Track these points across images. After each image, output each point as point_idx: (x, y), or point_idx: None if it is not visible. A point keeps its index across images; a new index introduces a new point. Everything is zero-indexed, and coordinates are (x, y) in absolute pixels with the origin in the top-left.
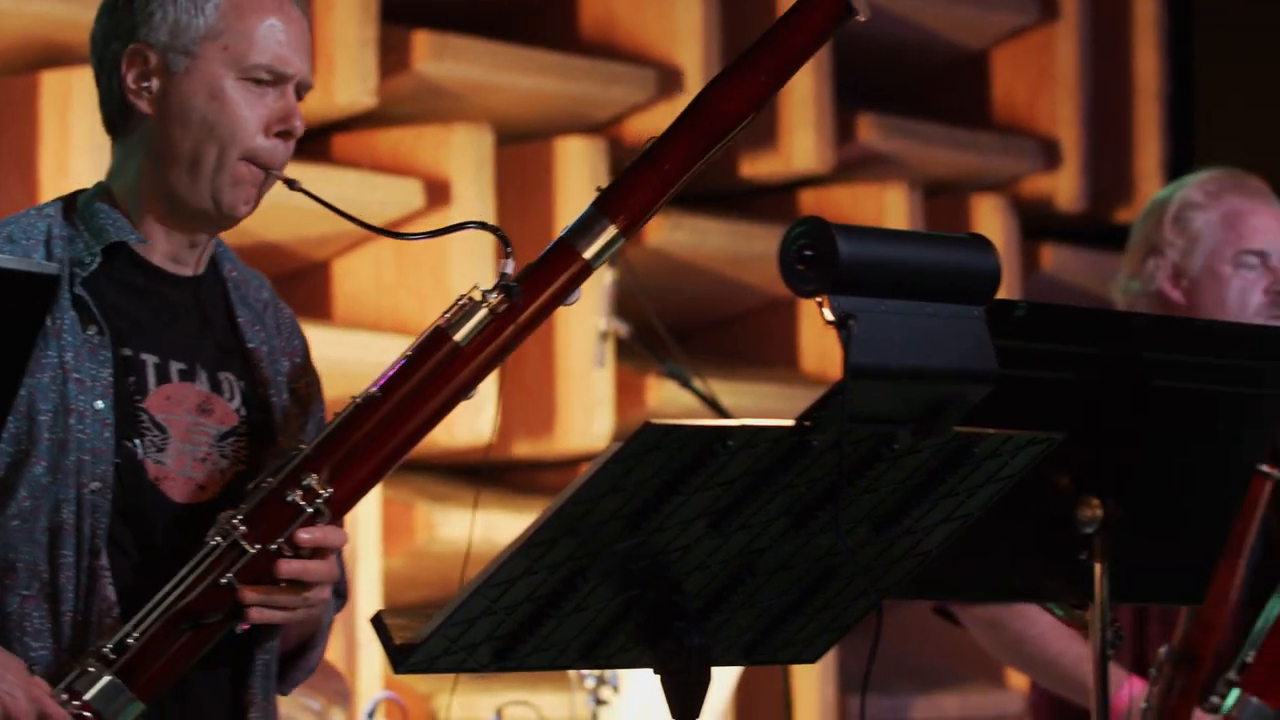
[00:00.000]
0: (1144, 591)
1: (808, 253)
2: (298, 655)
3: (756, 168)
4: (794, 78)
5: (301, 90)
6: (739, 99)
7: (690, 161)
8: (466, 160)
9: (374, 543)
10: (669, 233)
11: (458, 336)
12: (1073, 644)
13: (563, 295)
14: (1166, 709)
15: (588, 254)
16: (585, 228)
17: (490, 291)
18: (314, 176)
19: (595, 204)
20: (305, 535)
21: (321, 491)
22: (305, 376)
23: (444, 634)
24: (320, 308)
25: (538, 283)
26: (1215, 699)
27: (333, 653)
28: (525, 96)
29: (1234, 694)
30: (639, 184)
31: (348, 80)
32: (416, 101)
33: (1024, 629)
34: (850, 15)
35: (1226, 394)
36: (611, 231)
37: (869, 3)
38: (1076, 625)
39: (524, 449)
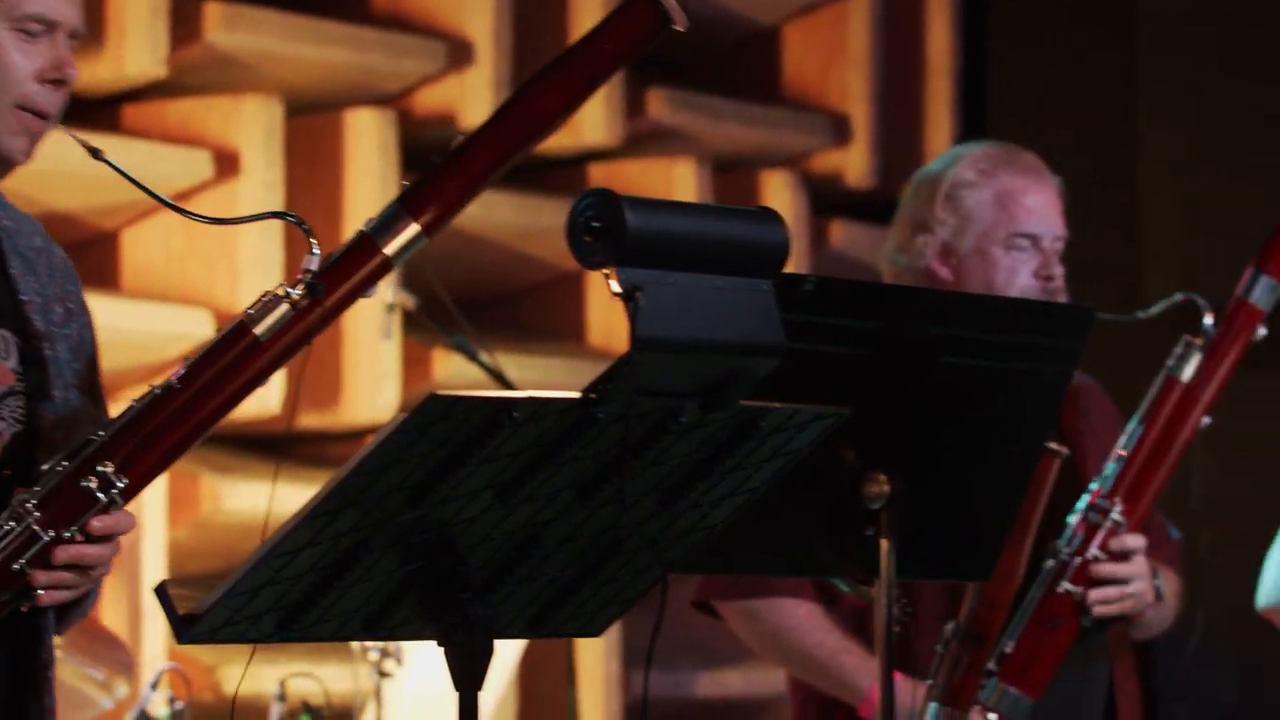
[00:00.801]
0: (931, 568)
1: (595, 224)
2: (73, 605)
3: (546, 141)
4: None
5: (73, 38)
6: (552, 103)
7: (498, 163)
8: (256, 131)
9: (160, 514)
10: None
11: (258, 330)
12: (830, 636)
13: (362, 289)
14: (952, 685)
15: (389, 250)
16: (388, 224)
17: (294, 287)
18: (103, 146)
19: (400, 201)
20: (98, 523)
21: (117, 482)
22: (77, 320)
23: (227, 604)
24: (108, 278)
25: (338, 278)
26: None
27: (117, 623)
28: (315, 67)
29: (992, 683)
30: (445, 183)
31: (138, 50)
32: (207, 72)
33: (780, 621)
34: (667, 25)
35: (1013, 370)
36: (414, 230)
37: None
38: (863, 601)
39: (311, 421)
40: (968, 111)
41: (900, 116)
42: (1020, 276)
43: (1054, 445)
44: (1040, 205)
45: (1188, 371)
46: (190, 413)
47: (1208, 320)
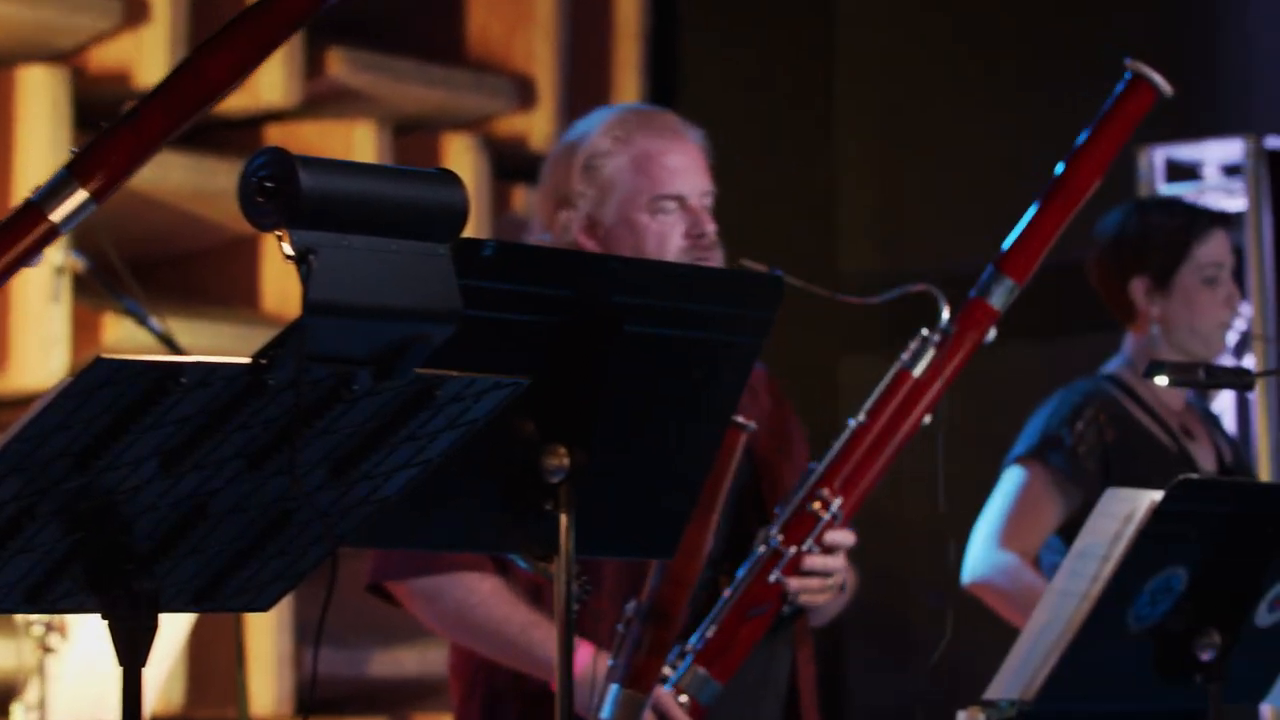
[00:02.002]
0: (612, 545)
1: (268, 185)
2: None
3: (223, 102)
4: None
5: None
6: (225, 68)
7: (171, 128)
8: None
9: None
10: None
11: None
12: (516, 610)
13: (27, 259)
14: (634, 665)
15: (56, 217)
16: (56, 191)
17: None
18: None
19: (67, 167)
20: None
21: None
22: None
23: None
24: None
25: (2, 247)
26: (667, 668)
27: None
28: None
29: (686, 664)
30: (116, 148)
31: None
32: None
33: (464, 598)
34: None
35: (699, 341)
36: (82, 195)
37: None
38: (542, 578)
39: None
40: (657, 75)
41: (587, 80)
42: (671, 240)
43: (740, 419)
44: (682, 164)
45: (920, 366)
46: None
47: (945, 315)
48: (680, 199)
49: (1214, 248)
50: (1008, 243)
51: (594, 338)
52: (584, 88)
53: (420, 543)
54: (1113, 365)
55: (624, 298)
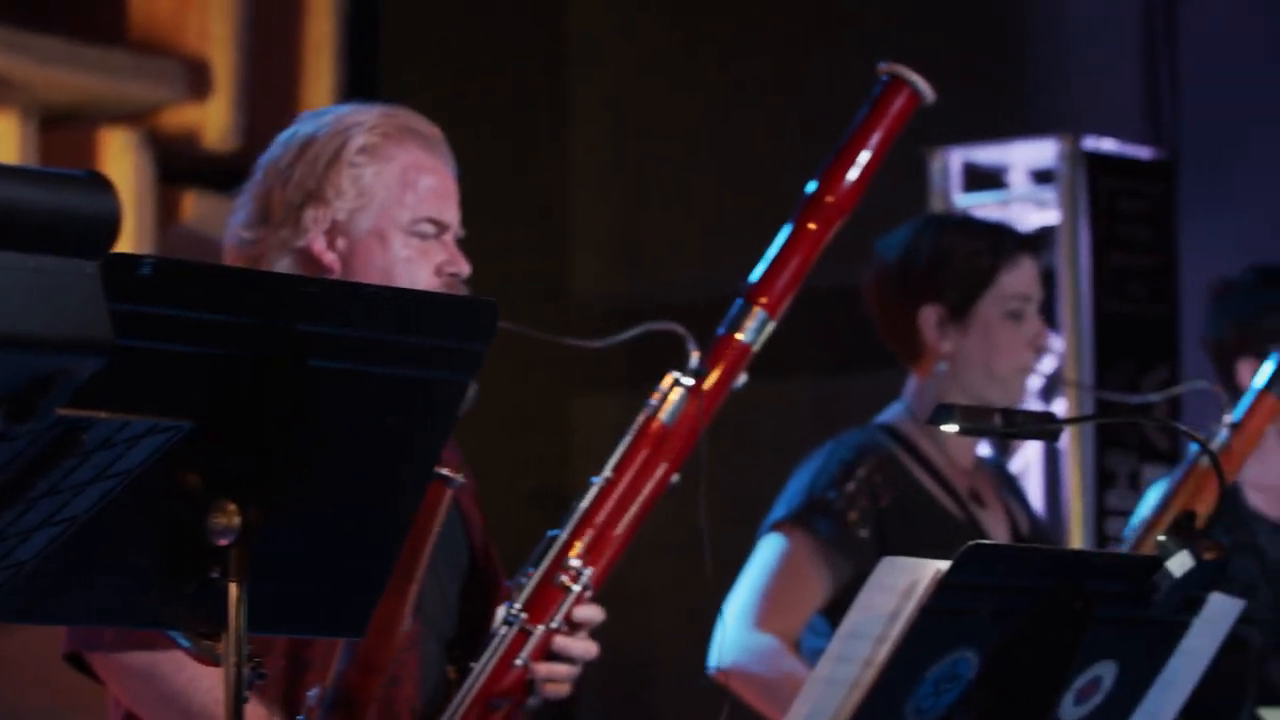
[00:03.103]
0: (292, 620)
1: None
2: None
3: None
4: None
5: None
6: None
7: None
8: None
9: None
10: None
11: None
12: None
13: None
14: None
15: None
16: None
17: None
18: None
19: None
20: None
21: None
22: None
23: None
24: None
25: None
26: None
27: None
28: None
29: None
30: None
31: None
32: None
33: (190, 679)
34: None
35: (399, 378)
36: None
37: None
38: (209, 659)
39: None
40: (354, 63)
41: (272, 66)
42: (422, 269)
43: (446, 472)
44: (448, 190)
45: (668, 414)
46: None
47: (694, 358)
48: (442, 226)
49: (1022, 277)
50: (757, 272)
51: (274, 374)
52: (268, 75)
53: (60, 617)
54: (890, 414)
55: (312, 326)
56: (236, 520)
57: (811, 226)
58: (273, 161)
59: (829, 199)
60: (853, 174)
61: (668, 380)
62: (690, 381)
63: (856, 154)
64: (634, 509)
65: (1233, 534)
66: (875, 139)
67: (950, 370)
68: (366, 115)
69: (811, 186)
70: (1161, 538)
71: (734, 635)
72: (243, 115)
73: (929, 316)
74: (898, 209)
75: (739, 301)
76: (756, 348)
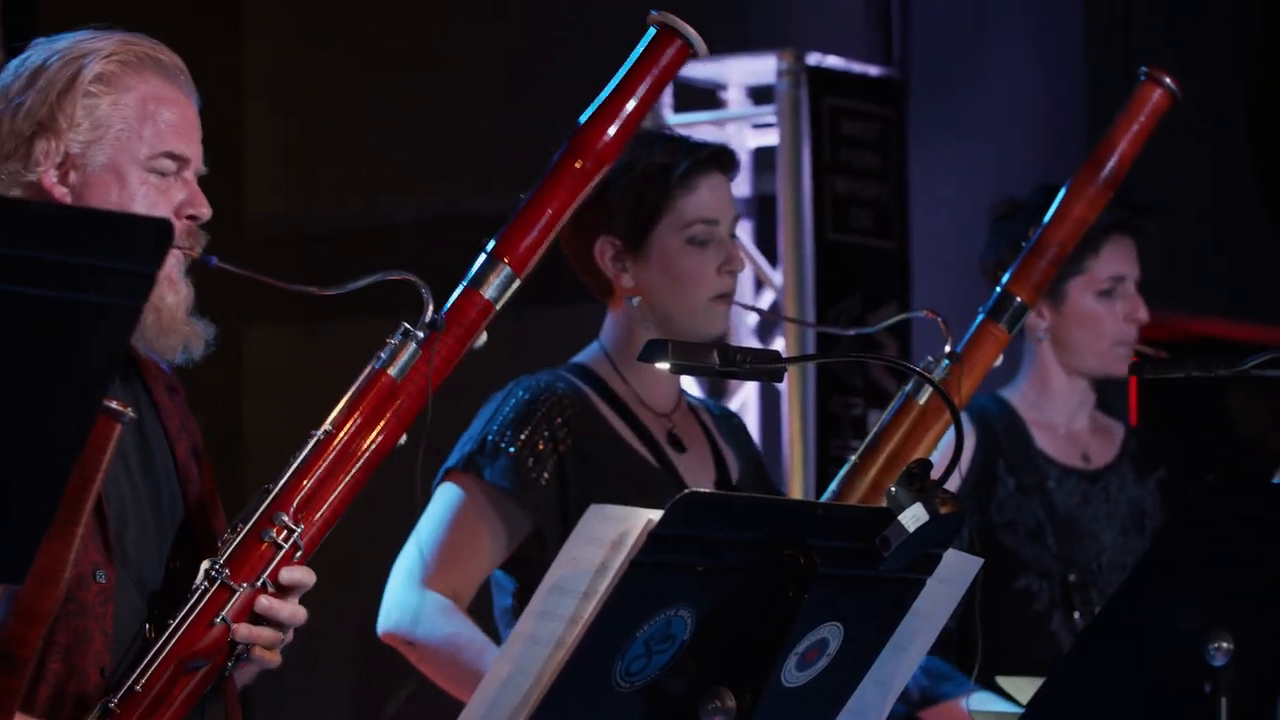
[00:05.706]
0: None
1: None
2: None
3: None
4: None
5: None
6: None
7: None
8: None
9: None
10: None
11: None
12: None
13: None
14: None
15: None
16: None
17: None
18: None
19: None
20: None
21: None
22: None
23: None
24: None
25: None
26: None
27: None
28: None
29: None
30: None
31: None
32: None
33: None
34: None
35: (56, 301)
36: None
37: None
38: None
39: None
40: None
41: None
42: (161, 208)
43: (116, 404)
44: (189, 123)
45: (398, 368)
46: None
47: (430, 312)
48: (182, 161)
49: (704, 198)
50: (505, 226)
51: None
52: None
53: None
54: (586, 353)
55: None
56: None
57: (565, 187)
58: (2, 90)
59: (581, 164)
60: (612, 132)
61: (400, 331)
62: (422, 334)
63: (618, 113)
64: (355, 468)
65: (1018, 476)
66: (638, 95)
67: (641, 305)
68: (104, 42)
69: (565, 146)
70: (892, 489)
71: (400, 595)
72: None
73: (604, 250)
74: None
75: (483, 255)
76: (499, 306)
